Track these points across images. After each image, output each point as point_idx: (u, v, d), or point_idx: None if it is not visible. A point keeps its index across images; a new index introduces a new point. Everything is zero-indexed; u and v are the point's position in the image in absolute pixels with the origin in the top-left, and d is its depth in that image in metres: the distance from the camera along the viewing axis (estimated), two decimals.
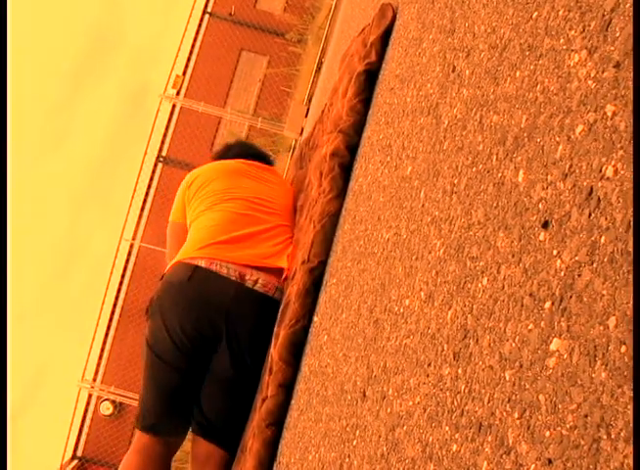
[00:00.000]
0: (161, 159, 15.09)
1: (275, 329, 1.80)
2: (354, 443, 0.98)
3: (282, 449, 1.58)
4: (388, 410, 0.86)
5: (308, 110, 9.13)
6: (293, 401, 1.62)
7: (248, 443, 1.77)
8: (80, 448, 16.71)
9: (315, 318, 1.66)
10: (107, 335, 15.88)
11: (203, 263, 2.03)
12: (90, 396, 12.44)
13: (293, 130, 9.13)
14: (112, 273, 11.09)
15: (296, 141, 9.29)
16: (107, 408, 18.54)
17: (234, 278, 1.99)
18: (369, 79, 1.86)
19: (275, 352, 1.70)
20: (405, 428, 0.78)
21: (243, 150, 2.62)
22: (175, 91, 12.98)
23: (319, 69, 9.71)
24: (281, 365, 1.67)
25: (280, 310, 1.84)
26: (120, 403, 18.67)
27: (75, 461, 17.35)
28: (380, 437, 0.86)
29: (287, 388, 1.66)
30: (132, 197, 11.18)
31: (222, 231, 2.20)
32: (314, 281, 1.71)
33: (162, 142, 14.65)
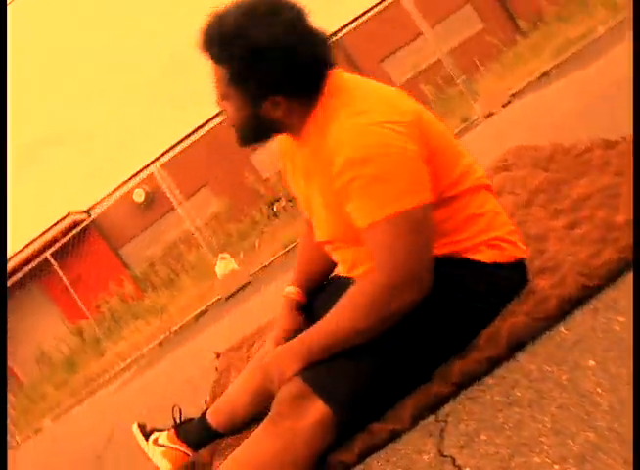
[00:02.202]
0: None
1: (510, 305, 1.74)
2: None
3: (457, 414, 1.55)
4: None
5: None
6: (491, 381, 1.58)
7: None
8: (95, 211, 17.20)
9: (562, 329, 1.61)
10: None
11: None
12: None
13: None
14: None
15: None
16: (139, 195, 19.04)
17: None
18: None
19: (504, 326, 1.65)
20: None
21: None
22: None
23: None
24: (502, 344, 1.62)
25: (524, 291, 1.77)
26: (153, 196, 19.11)
27: (84, 215, 17.95)
28: None
29: (492, 363, 1.62)
30: None
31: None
32: (581, 298, 1.65)
33: None
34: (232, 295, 8.08)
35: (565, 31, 11.30)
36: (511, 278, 1.79)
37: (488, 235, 1.72)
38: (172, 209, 18.12)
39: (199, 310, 8.68)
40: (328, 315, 1.64)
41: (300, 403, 1.58)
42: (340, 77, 1.69)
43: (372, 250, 1.56)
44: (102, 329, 13.25)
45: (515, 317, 1.67)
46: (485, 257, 1.71)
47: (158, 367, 6.29)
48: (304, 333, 1.69)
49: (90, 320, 13.67)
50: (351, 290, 1.61)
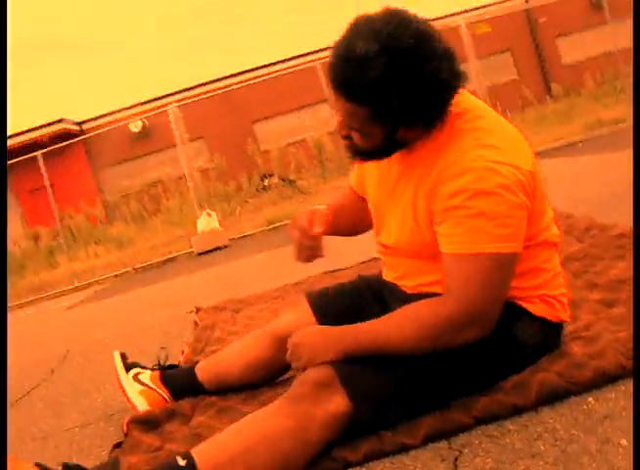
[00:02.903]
0: None
1: (541, 362, 1.76)
2: None
3: (473, 448, 1.57)
4: None
5: None
6: (512, 426, 1.60)
7: None
8: (88, 126, 16.90)
9: (590, 399, 1.64)
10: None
11: None
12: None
13: None
14: None
15: None
16: (135, 126, 18.82)
17: None
18: None
19: (534, 378, 1.67)
20: None
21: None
22: None
23: None
24: (530, 394, 1.65)
25: (556, 352, 1.80)
26: (148, 131, 18.89)
27: (76, 127, 17.66)
28: None
29: (515, 410, 1.64)
30: None
31: None
32: (617, 376, 1.68)
33: None
34: (206, 252, 8.04)
35: (596, 110, 11.46)
36: (551, 336, 1.82)
37: (545, 291, 1.74)
38: (162, 149, 18.06)
39: (169, 256, 8.62)
40: (385, 321, 1.63)
41: (324, 391, 1.57)
42: (465, 97, 1.67)
43: (451, 276, 1.57)
44: (59, 242, 13.07)
45: (546, 373, 1.69)
46: (536, 309, 1.73)
47: (118, 298, 6.23)
48: (352, 327, 1.68)
49: (50, 229, 13.49)
50: (421, 307, 1.61)
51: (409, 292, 1.78)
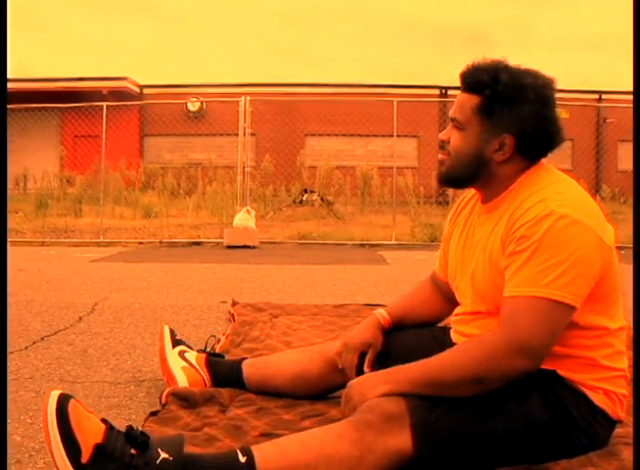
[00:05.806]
0: None
1: (593, 457, 1.77)
2: None
3: None
4: None
5: None
6: None
7: None
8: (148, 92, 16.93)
9: None
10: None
11: None
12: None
13: None
14: None
15: None
16: (194, 105, 18.97)
17: None
18: None
19: None
20: None
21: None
22: None
23: None
24: None
25: (605, 450, 1.81)
26: (204, 113, 19.07)
27: (137, 89, 17.77)
28: None
29: None
30: None
31: None
32: None
33: None
34: (234, 247, 8.09)
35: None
36: (605, 430, 1.80)
37: (608, 386, 1.75)
38: (213, 134, 18.22)
39: (197, 240, 8.68)
40: (438, 356, 1.64)
41: (392, 425, 1.55)
42: (551, 167, 1.75)
43: (503, 311, 1.59)
44: (89, 194, 13.17)
45: (595, 469, 1.70)
46: (597, 399, 1.73)
47: (145, 266, 6.26)
48: (405, 364, 1.67)
49: (84, 178, 13.59)
50: (471, 338, 1.68)
51: None
